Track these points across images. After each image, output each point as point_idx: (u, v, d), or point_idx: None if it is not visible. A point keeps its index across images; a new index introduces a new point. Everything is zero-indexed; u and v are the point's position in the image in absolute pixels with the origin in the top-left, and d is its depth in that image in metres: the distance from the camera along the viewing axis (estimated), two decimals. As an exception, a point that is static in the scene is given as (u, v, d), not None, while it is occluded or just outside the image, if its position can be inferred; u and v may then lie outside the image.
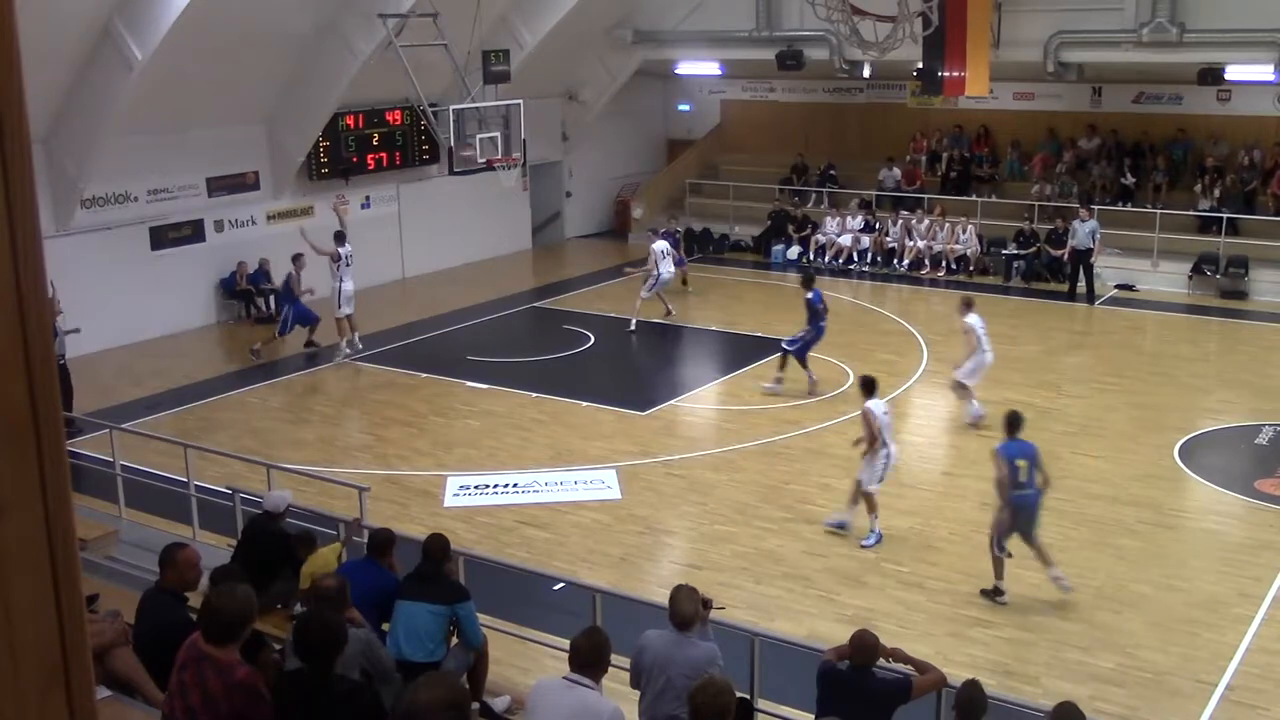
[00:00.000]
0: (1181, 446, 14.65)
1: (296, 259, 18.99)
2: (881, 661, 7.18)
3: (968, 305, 15.66)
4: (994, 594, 10.76)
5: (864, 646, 7.06)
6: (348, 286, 18.58)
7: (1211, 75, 22.68)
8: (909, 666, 7.29)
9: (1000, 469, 10.64)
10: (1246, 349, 19.68)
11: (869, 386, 12.45)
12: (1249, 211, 23.73)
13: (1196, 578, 11.24)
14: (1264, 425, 15.38)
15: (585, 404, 16.61)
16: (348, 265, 18.65)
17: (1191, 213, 24.04)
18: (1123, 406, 16.39)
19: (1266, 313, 21.61)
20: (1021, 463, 10.55)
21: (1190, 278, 23.06)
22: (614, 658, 6.29)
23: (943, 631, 10.15)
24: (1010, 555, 10.79)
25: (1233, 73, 22.62)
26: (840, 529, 12.25)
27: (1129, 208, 24.50)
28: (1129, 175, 25.16)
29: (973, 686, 6.73)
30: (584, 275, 25.19)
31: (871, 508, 12.10)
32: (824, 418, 15.85)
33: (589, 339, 20.02)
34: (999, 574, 10.79)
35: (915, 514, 12.78)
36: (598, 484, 13.59)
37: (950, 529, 12.38)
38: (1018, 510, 10.58)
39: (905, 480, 14.08)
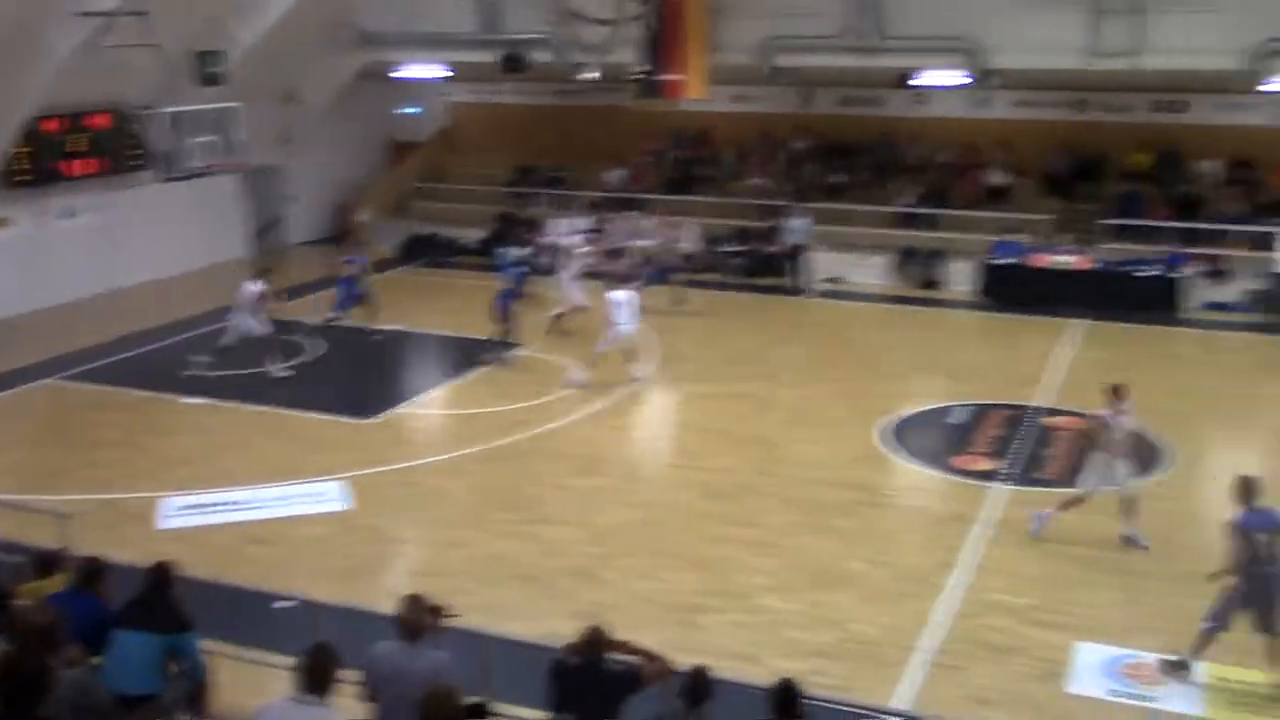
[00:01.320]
0: (886, 429, 15.62)
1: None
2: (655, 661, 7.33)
3: (620, 281, 18.17)
4: (1177, 666, 9.62)
5: (594, 640, 7.21)
6: None
7: (908, 79, 24.21)
8: (639, 657, 7.48)
9: (1237, 547, 9.30)
10: (942, 335, 21.12)
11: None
12: (944, 207, 25.45)
13: (902, 552, 12.03)
14: (957, 405, 16.58)
15: (311, 415, 16.25)
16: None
17: (894, 209, 25.59)
18: (835, 394, 17.31)
19: (959, 301, 23.28)
20: (1262, 536, 9.25)
21: (893, 270, 24.58)
22: (345, 672, 6.22)
23: (673, 620, 10.47)
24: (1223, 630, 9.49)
25: (927, 77, 24.21)
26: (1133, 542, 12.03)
27: (838, 205, 25.82)
28: (837, 174, 26.55)
29: (699, 672, 6.99)
30: (307, 283, 24.52)
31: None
32: (553, 417, 16.05)
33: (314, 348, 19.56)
34: (1199, 649, 9.52)
35: (645, 506, 13.14)
36: (325, 496, 13.32)
37: (679, 520, 12.78)
38: (1255, 585, 9.27)
39: (635, 474, 14.47)
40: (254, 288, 18.03)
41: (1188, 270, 22.74)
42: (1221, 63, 21.69)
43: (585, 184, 28.40)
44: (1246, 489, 9.45)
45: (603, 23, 20.88)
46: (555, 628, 9.92)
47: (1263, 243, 22.46)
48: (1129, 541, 12.06)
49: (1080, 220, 24.19)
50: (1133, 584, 11.28)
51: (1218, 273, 22.93)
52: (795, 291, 23.54)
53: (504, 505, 13.16)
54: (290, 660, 6.72)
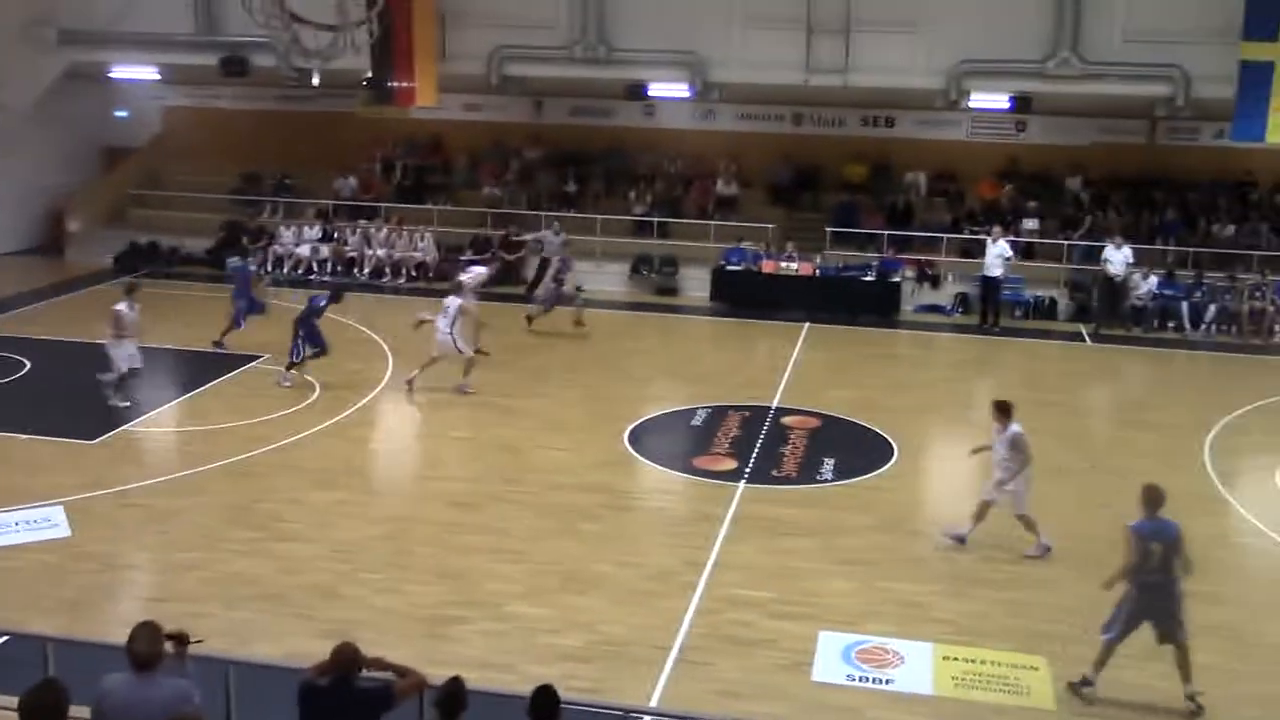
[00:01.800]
0: (631, 433, 15.88)
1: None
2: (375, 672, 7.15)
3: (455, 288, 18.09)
4: (1081, 685, 9.56)
5: (344, 658, 7.01)
6: None
7: (637, 91, 24.75)
8: (391, 673, 7.33)
9: (1130, 552, 9.35)
10: (680, 340, 21.68)
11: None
12: (676, 216, 26.12)
13: (649, 552, 12.24)
14: (698, 408, 17.04)
15: (25, 437, 15.13)
16: None
17: (628, 217, 26.07)
18: (580, 400, 17.47)
19: (694, 307, 23.96)
20: (1156, 546, 9.28)
21: (630, 277, 25.04)
22: (74, 710, 5.80)
23: (420, 633, 10.30)
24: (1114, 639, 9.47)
25: (655, 90, 24.82)
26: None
27: (572, 214, 26.09)
28: (571, 183, 26.83)
29: (452, 683, 6.89)
30: (14, 296, 22.88)
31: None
32: (293, 431, 15.54)
33: (25, 365, 18.24)
34: (1099, 663, 9.52)
35: (389, 519, 12.88)
36: (44, 523, 12.40)
37: (426, 531, 12.59)
38: (1147, 596, 9.35)
39: (378, 487, 14.20)
40: (132, 312, 16.56)
41: (902, 275, 24.16)
42: (923, 82, 23.26)
43: (314, 192, 27.68)
44: (1148, 498, 9.48)
45: (326, 27, 20.28)
46: (301, 647, 9.62)
47: (967, 249, 24.12)
48: (956, 539, 12.43)
49: (803, 228, 25.33)
50: (862, 572, 11.84)
51: (929, 277, 24.46)
52: (567, 301, 22.72)
53: (241, 524, 12.62)
54: (11, 700, 6.23)
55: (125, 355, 16.44)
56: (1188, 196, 25.20)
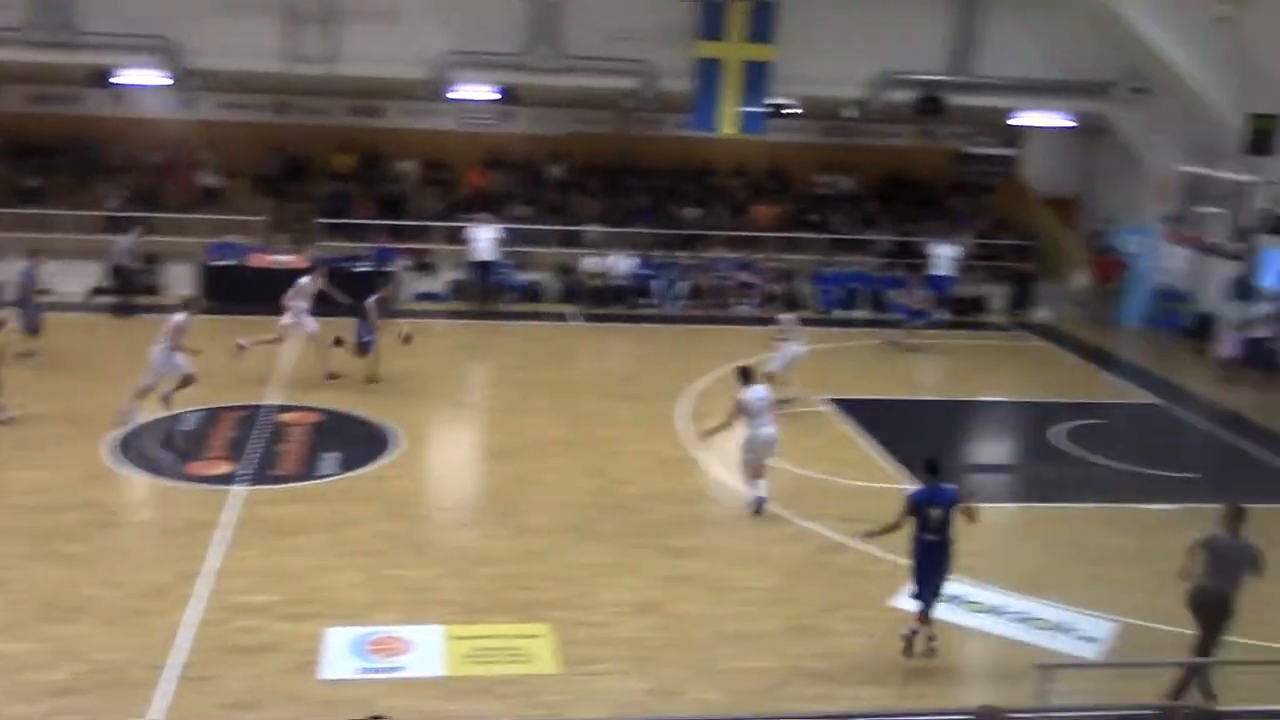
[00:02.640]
0: (114, 443, 14.93)
1: None
2: None
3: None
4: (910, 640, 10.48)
5: None
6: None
7: (101, 78, 23.15)
8: None
9: (899, 513, 10.29)
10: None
11: None
12: (156, 210, 24.70)
13: (141, 568, 11.57)
14: (188, 412, 16.28)
15: None
16: None
17: (101, 213, 24.31)
18: (53, 413, 16.05)
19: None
20: (935, 511, 10.14)
21: (106, 277, 23.32)
22: None
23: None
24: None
25: (125, 76, 23.31)
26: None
27: (35, 210, 23.95)
28: (32, 177, 24.65)
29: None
30: None
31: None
32: None
33: None
34: (923, 619, 10.43)
35: None
36: None
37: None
38: (924, 554, 10.23)
39: None
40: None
41: (398, 264, 24.35)
42: (408, 72, 23.51)
43: None
44: (926, 466, 10.44)
45: None
46: None
47: (459, 237, 24.75)
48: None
49: (294, 219, 24.85)
50: (369, 563, 11.91)
51: (425, 265, 24.87)
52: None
53: None
54: None
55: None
56: (656, 183, 27.30)
